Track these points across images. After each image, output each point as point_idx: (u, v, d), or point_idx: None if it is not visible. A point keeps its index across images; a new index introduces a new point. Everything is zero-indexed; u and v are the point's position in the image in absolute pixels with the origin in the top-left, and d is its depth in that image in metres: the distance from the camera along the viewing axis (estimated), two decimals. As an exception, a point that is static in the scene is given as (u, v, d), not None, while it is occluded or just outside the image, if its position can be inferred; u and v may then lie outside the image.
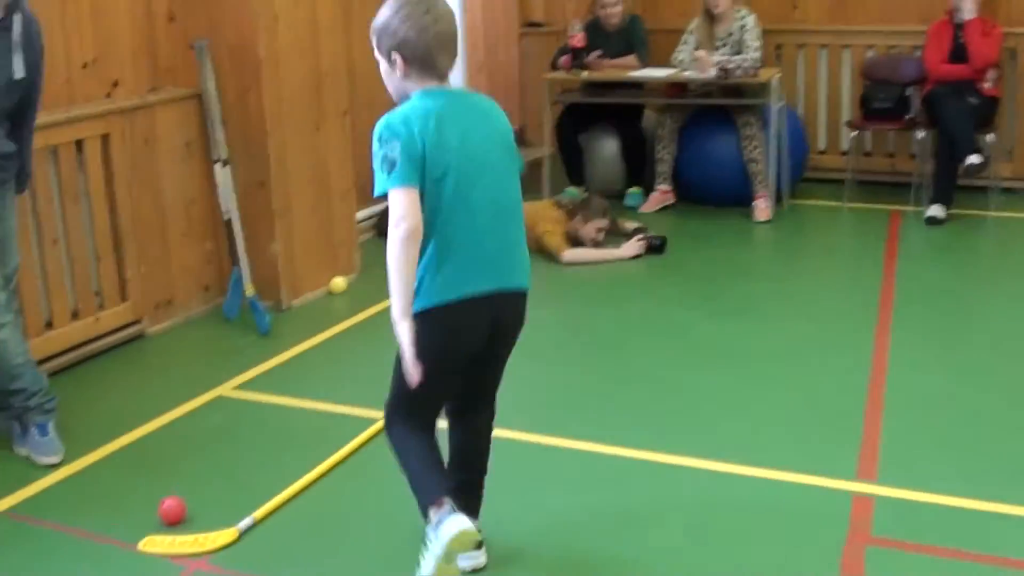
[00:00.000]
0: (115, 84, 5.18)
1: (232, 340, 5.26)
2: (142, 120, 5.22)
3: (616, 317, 5.45)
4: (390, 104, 2.97)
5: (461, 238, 2.88)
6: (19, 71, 3.84)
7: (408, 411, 3.03)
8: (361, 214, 6.52)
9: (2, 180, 3.99)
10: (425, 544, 2.88)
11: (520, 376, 4.65)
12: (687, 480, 3.75)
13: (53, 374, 4.72)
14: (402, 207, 2.78)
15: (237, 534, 3.41)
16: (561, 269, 6.25)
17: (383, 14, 2.92)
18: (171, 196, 5.41)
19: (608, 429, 4.14)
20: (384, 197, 2.83)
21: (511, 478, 3.66)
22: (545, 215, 6.52)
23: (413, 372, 2.83)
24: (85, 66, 5.02)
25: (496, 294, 2.96)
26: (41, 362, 4.64)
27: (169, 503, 3.50)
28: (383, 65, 2.97)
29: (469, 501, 3.14)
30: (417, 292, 2.85)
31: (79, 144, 4.89)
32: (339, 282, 5.94)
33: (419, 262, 2.85)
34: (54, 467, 3.94)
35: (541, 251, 6.37)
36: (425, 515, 2.91)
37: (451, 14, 2.92)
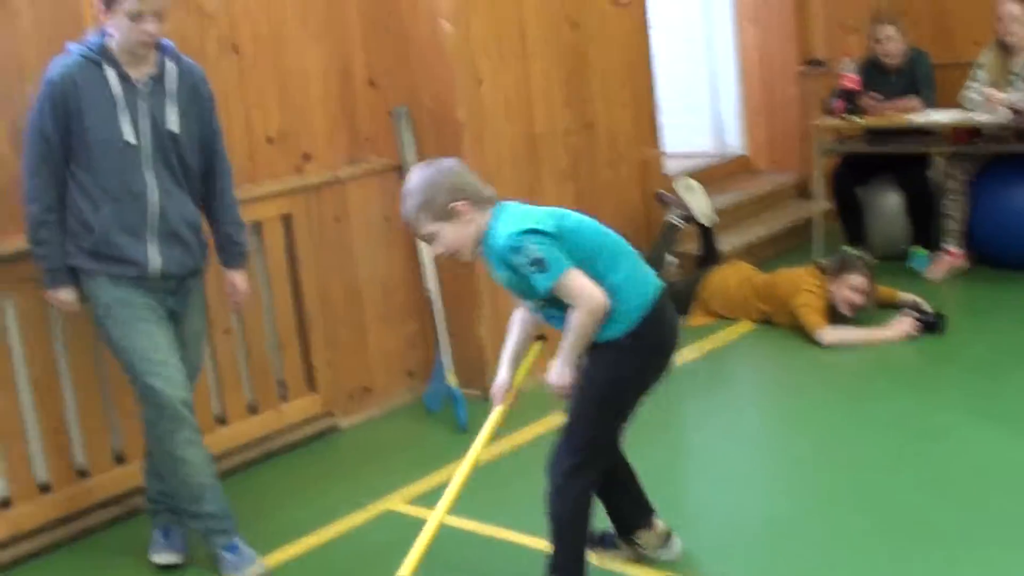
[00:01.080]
0: (306, 157, 4.83)
1: (428, 437, 4.75)
2: (332, 196, 4.84)
3: (859, 417, 4.55)
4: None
5: (623, 267, 3.12)
6: (172, 123, 3.52)
7: (595, 455, 3.14)
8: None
9: (192, 268, 3.66)
10: None
11: (711, 495, 3.97)
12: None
13: (226, 474, 4.37)
14: (580, 284, 3.00)
15: None
16: (808, 350, 5.37)
17: (416, 192, 3.09)
18: (366, 275, 5.00)
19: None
20: (549, 295, 3.01)
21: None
22: (804, 284, 5.67)
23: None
24: (270, 140, 4.68)
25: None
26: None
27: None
28: (445, 230, 3.08)
29: (649, 514, 3.44)
30: (619, 318, 3.07)
31: (256, 226, 4.54)
32: (556, 367, 5.35)
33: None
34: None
35: (798, 327, 5.57)
36: None
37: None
